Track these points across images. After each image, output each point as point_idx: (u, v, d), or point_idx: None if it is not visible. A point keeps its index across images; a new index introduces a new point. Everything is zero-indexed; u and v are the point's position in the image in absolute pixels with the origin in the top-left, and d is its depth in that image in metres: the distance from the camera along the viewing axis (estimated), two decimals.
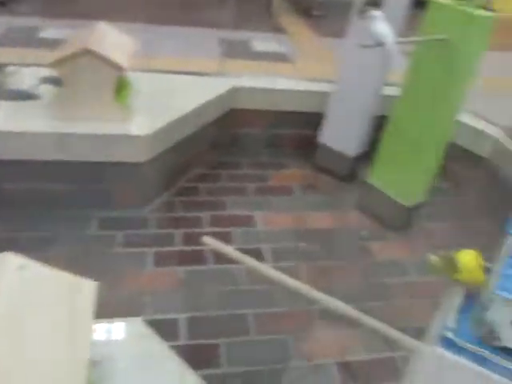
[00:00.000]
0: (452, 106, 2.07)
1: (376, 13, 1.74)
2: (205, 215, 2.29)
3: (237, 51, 3.54)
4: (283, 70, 3.19)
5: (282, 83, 2.79)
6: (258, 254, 2.11)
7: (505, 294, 0.75)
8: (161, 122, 2.18)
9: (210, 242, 2.08)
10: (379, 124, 2.38)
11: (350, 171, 2.63)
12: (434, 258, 0.92)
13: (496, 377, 0.77)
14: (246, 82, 2.74)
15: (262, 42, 3.85)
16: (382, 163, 2.34)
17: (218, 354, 1.67)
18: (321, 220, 2.40)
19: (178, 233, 2.17)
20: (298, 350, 1.73)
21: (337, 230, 2.35)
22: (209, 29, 3.81)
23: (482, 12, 1.89)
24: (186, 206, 2.34)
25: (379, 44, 1.74)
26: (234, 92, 2.65)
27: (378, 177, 2.36)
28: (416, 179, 2.26)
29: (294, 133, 2.84)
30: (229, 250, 2.06)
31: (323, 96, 2.65)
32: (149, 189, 2.29)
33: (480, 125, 2.65)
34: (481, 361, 0.77)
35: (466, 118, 2.63)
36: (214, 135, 2.63)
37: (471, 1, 1.89)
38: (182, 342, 1.69)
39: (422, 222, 2.43)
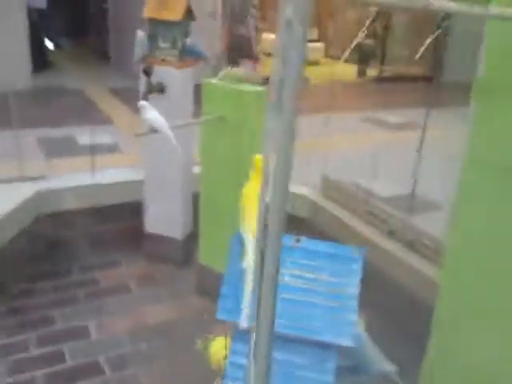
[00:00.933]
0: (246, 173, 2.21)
1: (144, 103, 1.82)
2: (30, 337, 2.11)
3: (59, 149, 3.46)
4: (113, 161, 3.18)
5: (97, 177, 2.77)
6: (95, 367, 1.98)
7: None
8: None
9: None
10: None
11: (182, 255, 2.62)
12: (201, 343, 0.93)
13: None
14: (55, 182, 2.67)
15: (87, 136, 3.81)
16: (206, 241, 2.36)
17: None
18: (162, 313, 2.34)
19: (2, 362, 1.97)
20: None
21: (180, 321, 2.29)
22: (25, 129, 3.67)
23: (253, 88, 2.08)
24: (7, 331, 2.13)
25: (152, 131, 1.83)
26: (41, 196, 2.56)
27: (205, 256, 2.38)
28: None
29: (119, 227, 2.78)
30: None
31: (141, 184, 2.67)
32: None
33: (293, 188, 2.85)
34: None
35: None
36: (28, 245, 2.48)
37: (238, 79, 2.08)
38: None
39: None
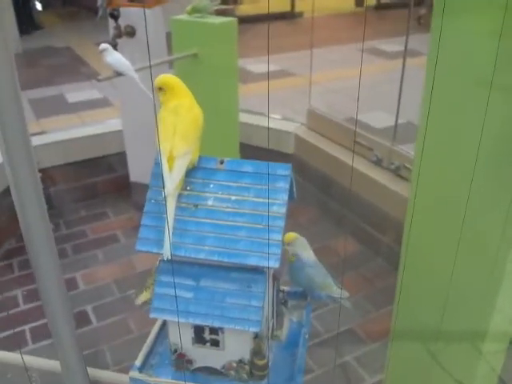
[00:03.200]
0: (227, 112, 2.14)
1: (105, 46, 1.74)
2: (19, 292, 2.12)
3: (50, 108, 3.42)
4: (103, 115, 3.13)
5: (78, 132, 2.71)
6: (83, 316, 1.99)
7: (159, 316, 0.73)
8: None
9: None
10: None
11: None
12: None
13: None
14: (41, 139, 2.62)
15: (77, 92, 3.78)
16: None
17: None
18: (150, 259, 2.32)
19: None
20: None
21: None
22: None
23: (222, 19, 1.97)
24: None
25: (118, 74, 1.75)
26: None
27: None
28: None
29: (106, 179, 2.75)
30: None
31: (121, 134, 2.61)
32: None
33: (279, 124, 2.76)
34: None
35: (262, 121, 2.72)
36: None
37: (205, 11, 1.97)
38: None
39: None
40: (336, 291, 0.88)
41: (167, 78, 0.76)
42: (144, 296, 0.87)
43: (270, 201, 0.71)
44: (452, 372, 1.36)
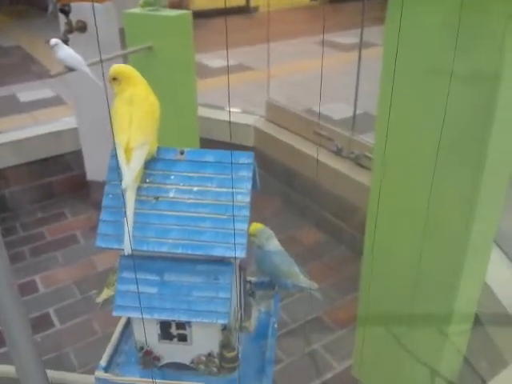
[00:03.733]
0: (185, 106, 2.11)
1: (55, 40, 1.68)
2: None
3: (1, 109, 3.30)
4: (57, 113, 3.04)
5: (32, 131, 2.63)
6: (45, 319, 1.93)
7: (122, 314, 0.71)
8: None
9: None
10: None
11: None
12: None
13: None
14: None
15: (29, 92, 3.67)
16: None
17: None
18: (111, 259, 2.27)
19: None
20: None
21: None
22: None
23: (177, 12, 1.94)
24: None
25: (70, 70, 1.71)
26: None
27: None
28: None
29: (62, 178, 2.68)
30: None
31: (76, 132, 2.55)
32: None
33: (238, 117, 2.75)
34: None
35: (221, 115, 2.71)
36: None
37: (158, 4, 1.93)
38: None
39: None
40: (303, 280, 0.88)
41: (121, 67, 0.74)
42: (105, 293, 0.85)
43: (233, 190, 0.70)
44: (419, 355, 1.39)
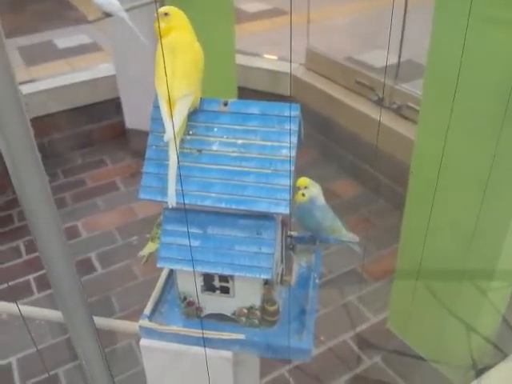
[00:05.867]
0: (223, 53, 2.07)
1: None
2: (21, 243, 2.11)
3: (39, 55, 3.31)
4: (94, 59, 3.03)
5: (70, 78, 2.63)
6: (87, 264, 2.00)
7: (166, 265, 0.71)
8: None
9: None
10: None
11: None
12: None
13: (195, 349, 0.74)
14: (32, 87, 2.54)
15: (66, 38, 3.67)
16: None
17: None
18: (151, 207, 2.31)
19: None
20: None
21: None
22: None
23: None
24: None
25: (107, 15, 1.68)
26: None
27: None
28: None
29: (102, 126, 2.69)
30: None
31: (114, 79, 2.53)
32: None
33: (276, 65, 2.68)
34: (186, 338, 0.74)
35: (261, 63, 2.64)
36: None
37: None
38: None
39: None
40: (345, 234, 0.87)
41: (173, 7, 0.71)
42: (149, 247, 0.85)
43: (278, 144, 0.68)
44: (456, 311, 1.38)
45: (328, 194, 2.45)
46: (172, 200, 0.67)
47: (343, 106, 2.35)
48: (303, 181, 0.83)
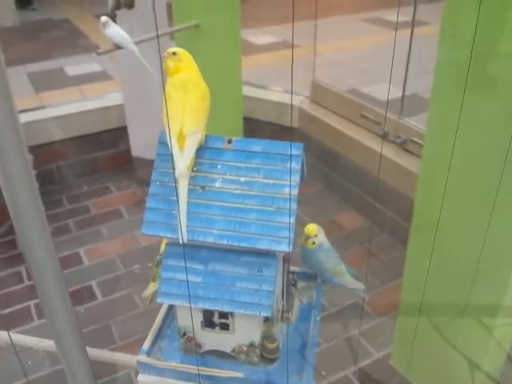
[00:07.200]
0: (230, 85, 2.10)
1: (105, 18, 1.69)
2: (22, 269, 2.11)
3: (49, 82, 3.37)
4: (103, 88, 3.08)
5: (79, 106, 2.67)
6: (88, 292, 1.99)
7: (166, 301, 0.71)
8: None
9: None
10: None
11: None
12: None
13: None
14: (40, 114, 2.58)
15: (76, 66, 3.73)
16: None
17: None
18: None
19: None
20: None
21: None
22: (13, 67, 3.62)
23: None
24: (0, 265, 2.14)
25: (117, 47, 1.72)
26: (26, 128, 2.47)
27: None
28: None
29: (108, 154, 2.72)
30: None
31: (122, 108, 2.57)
32: None
33: (282, 97, 2.71)
34: (184, 374, 0.74)
35: (267, 95, 2.68)
36: None
37: None
38: None
39: None
40: (349, 281, 0.86)
41: (180, 49, 0.73)
42: (151, 287, 0.85)
43: (281, 182, 0.69)
44: (461, 348, 1.36)
45: (332, 225, 2.45)
46: (184, 236, 0.67)
47: (348, 139, 2.37)
48: (312, 229, 0.82)
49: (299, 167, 0.69)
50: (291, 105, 2.69)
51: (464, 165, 1.16)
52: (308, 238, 0.82)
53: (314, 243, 0.82)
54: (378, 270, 2.05)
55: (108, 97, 2.83)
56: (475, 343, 1.36)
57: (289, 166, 0.69)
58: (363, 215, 2.36)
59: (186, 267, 0.69)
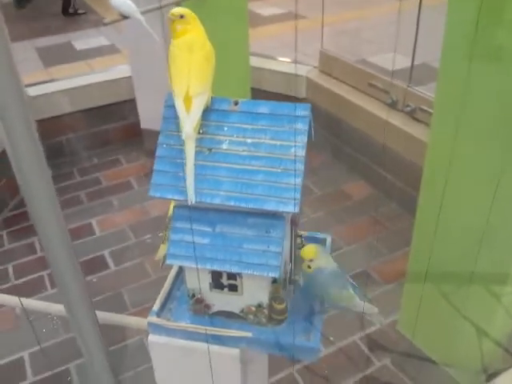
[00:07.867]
0: (237, 56, 2.08)
1: None
2: (35, 239, 2.15)
3: (58, 56, 3.36)
4: (112, 61, 3.07)
5: (88, 79, 2.66)
6: (101, 261, 2.03)
7: (175, 262, 0.72)
8: None
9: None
10: None
11: None
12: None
13: (202, 346, 0.74)
14: (49, 88, 2.58)
15: (85, 40, 3.72)
16: None
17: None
18: (165, 206, 2.33)
19: (10, 266, 2.02)
20: None
21: None
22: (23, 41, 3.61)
23: None
24: (14, 236, 2.18)
25: (124, 17, 1.70)
26: (36, 102, 2.47)
27: None
28: None
29: (117, 126, 2.73)
30: None
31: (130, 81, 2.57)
32: None
33: (290, 68, 2.68)
34: (193, 334, 0.75)
35: (274, 65, 2.65)
36: None
37: None
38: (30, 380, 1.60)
39: None
40: (359, 304, 0.77)
41: (188, 10, 0.73)
42: (162, 250, 0.86)
43: (288, 143, 0.69)
44: (468, 314, 1.37)
45: (340, 195, 2.46)
46: (192, 197, 0.68)
47: (356, 109, 2.35)
48: (309, 252, 0.75)
49: (306, 128, 0.69)
50: (295, 74, 2.66)
51: (472, 132, 1.16)
52: (303, 260, 0.76)
53: (309, 267, 0.75)
54: (385, 238, 2.06)
55: (116, 69, 2.82)
56: (482, 310, 1.37)
57: (296, 126, 0.69)
58: (372, 185, 2.36)
59: (192, 229, 0.70)
